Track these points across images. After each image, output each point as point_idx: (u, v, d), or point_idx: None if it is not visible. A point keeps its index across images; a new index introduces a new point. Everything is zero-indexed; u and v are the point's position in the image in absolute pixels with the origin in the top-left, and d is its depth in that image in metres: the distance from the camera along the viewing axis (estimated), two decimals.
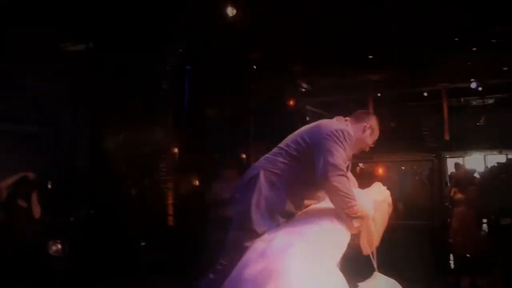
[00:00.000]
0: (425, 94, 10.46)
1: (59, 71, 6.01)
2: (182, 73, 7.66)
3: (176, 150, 7.28)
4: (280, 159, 2.71)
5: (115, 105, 6.47)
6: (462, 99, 10.96)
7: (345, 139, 2.62)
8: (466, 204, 5.88)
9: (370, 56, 9.08)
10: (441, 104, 10.21)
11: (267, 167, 2.71)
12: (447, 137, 9.83)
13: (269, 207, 2.64)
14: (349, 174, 2.82)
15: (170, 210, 6.17)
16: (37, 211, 4.91)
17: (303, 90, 10.95)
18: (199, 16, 6.98)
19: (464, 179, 5.96)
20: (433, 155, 8.90)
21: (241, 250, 2.59)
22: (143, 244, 5.41)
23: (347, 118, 2.86)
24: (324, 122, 2.78)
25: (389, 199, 2.85)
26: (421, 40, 8.49)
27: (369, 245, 2.70)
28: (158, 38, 6.87)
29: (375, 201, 2.75)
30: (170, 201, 6.27)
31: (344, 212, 2.57)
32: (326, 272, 2.45)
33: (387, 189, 2.89)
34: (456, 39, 8.66)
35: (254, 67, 9.64)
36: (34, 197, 4.91)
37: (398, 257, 5.26)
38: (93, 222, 5.44)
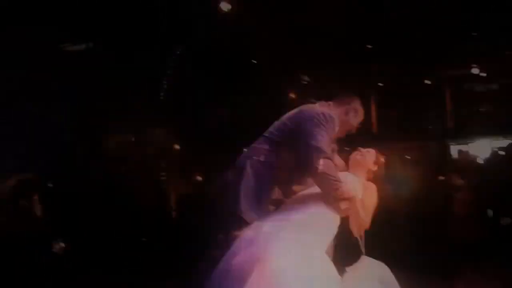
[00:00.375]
0: (428, 82, 10.38)
1: (57, 71, 6.04)
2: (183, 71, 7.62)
3: (177, 147, 7.32)
4: (265, 147, 2.74)
5: (114, 104, 6.51)
6: (465, 86, 10.86)
7: (327, 122, 2.64)
8: (467, 190, 5.86)
9: (369, 46, 9.05)
10: (444, 91, 10.15)
11: (252, 156, 2.74)
12: (451, 124, 9.77)
13: (256, 196, 2.68)
14: (337, 157, 2.84)
15: (172, 208, 6.20)
16: (38, 210, 4.98)
17: (305, 83, 10.93)
18: (197, 13, 6.97)
19: (464, 165, 5.94)
20: (437, 142, 8.85)
21: (231, 240, 2.63)
22: (143, 240, 5.47)
23: (330, 102, 2.88)
24: (306, 107, 2.81)
25: (376, 159, 2.88)
26: (423, 27, 8.43)
27: (358, 228, 2.70)
28: (159, 37, 6.85)
29: (363, 184, 2.78)
30: (172, 199, 6.31)
31: (330, 195, 2.59)
32: (314, 259, 2.47)
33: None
34: (459, 24, 8.59)
35: (254, 61, 9.66)
36: (36, 197, 4.98)
37: (398, 244, 5.26)
38: (95, 221, 5.49)
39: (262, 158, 2.71)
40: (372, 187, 2.83)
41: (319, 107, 2.76)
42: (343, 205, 2.60)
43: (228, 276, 2.46)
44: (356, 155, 2.92)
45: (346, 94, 2.94)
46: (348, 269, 2.68)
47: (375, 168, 2.91)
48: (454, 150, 9.38)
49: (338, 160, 2.89)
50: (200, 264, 2.85)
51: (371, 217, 2.76)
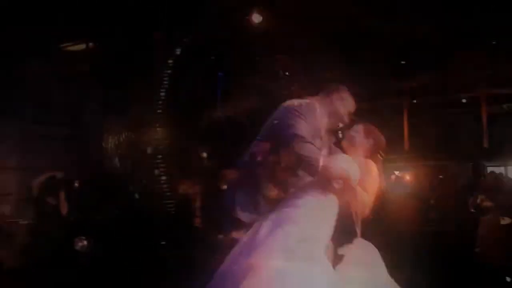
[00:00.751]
0: (464, 100, 10.12)
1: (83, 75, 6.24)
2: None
3: (204, 154, 7.39)
4: (257, 148, 2.82)
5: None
6: (504, 106, 10.48)
7: (306, 111, 2.71)
8: (495, 212, 5.65)
9: (403, 62, 8.92)
10: (481, 110, 9.84)
11: (246, 158, 2.84)
12: (486, 144, 9.45)
13: (253, 197, 2.73)
14: (334, 148, 2.92)
15: (195, 211, 6.25)
16: (64, 208, 5.21)
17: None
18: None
19: (492, 186, 5.74)
20: (471, 163, 8.59)
21: (231, 243, 2.68)
22: (163, 243, 5.57)
23: (317, 96, 2.91)
24: (287, 102, 2.86)
25: (365, 132, 2.85)
26: (458, 44, 8.25)
27: (358, 209, 2.61)
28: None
29: (361, 162, 2.72)
30: (195, 201, 6.37)
31: (318, 176, 2.61)
32: (309, 266, 2.45)
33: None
34: (494, 42, 8.37)
35: (287, 73, 9.70)
36: (62, 195, 5.22)
37: (421, 264, 5.13)
38: (119, 222, 5.65)
39: (255, 159, 2.77)
40: (371, 164, 2.76)
41: (297, 100, 2.82)
42: (337, 185, 2.55)
43: (227, 281, 2.50)
44: (344, 143, 2.89)
45: (333, 85, 2.95)
46: (339, 250, 2.60)
47: (370, 142, 2.85)
48: (487, 171, 9.08)
49: (335, 151, 2.90)
50: (200, 268, 2.89)
51: (373, 197, 2.69)
